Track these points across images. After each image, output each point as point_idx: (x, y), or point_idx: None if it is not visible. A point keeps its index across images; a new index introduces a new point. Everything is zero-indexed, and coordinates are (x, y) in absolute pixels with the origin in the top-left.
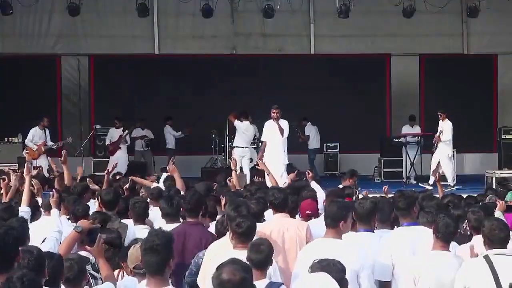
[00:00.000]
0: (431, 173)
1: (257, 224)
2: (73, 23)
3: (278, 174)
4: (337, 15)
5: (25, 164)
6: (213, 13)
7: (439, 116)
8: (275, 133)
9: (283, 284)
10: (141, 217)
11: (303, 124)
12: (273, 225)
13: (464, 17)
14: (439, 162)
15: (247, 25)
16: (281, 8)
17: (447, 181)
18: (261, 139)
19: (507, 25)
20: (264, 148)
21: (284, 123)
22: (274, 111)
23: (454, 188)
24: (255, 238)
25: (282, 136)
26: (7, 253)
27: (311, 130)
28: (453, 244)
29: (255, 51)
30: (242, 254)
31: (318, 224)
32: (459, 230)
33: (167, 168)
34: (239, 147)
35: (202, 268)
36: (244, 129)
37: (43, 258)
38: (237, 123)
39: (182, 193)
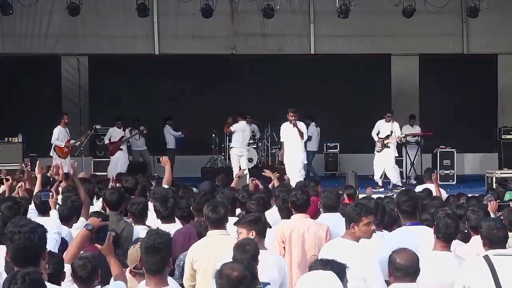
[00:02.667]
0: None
1: (278, 224)
2: (73, 23)
3: (296, 172)
4: (337, 15)
5: (37, 162)
6: (213, 13)
7: (386, 117)
8: (293, 135)
9: (269, 284)
10: (140, 218)
11: (307, 123)
12: (294, 224)
13: (464, 17)
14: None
15: (247, 25)
16: (281, 8)
17: (394, 183)
18: (281, 141)
19: (507, 25)
20: (284, 149)
21: (302, 125)
22: (291, 114)
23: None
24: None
25: (302, 139)
26: (32, 250)
27: (313, 132)
28: (456, 242)
29: (255, 51)
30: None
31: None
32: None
33: (160, 159)
34: (236, 147)
35: (186, 268)
36: (241, 129)
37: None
38: (233, 126)
39: (166, 186)
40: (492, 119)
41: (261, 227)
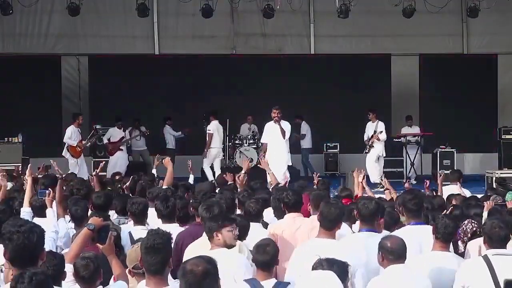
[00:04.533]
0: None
1: (270, 223)
2: (73, 23)
3: (280, 175)
4: (337, 15)
5: (28, 165)
6: (213, 13)
7: (368, 116)
8: (276, 134)
9: (290, 283)
10: (140, 218)
11: (298, 122)
12: (286, 224)
13: (464, 17)
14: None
15: (247, 25)
16: (281, 8)
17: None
18: (261, 141)
19: (507, 25)
20: (265, 149)
21: (286, 124)
22: (274, 111)
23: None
24: (262, 238)
25: (284, 138)
26: (31, 250)
27: (307, 130)
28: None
29: (255, 51)
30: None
31: None
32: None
33: (163, 160)
34: (213, 147)
35: None
36: (215, 129)
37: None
38: (208, 128)
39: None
40: (492, 119)
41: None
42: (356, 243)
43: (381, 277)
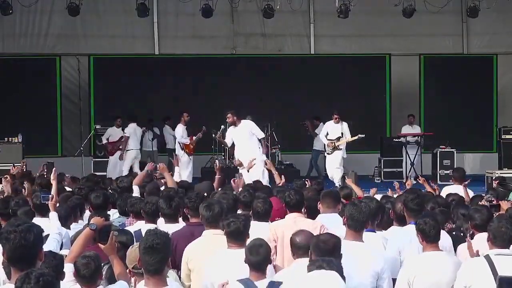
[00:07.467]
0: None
1: (271, 223)
2: (73, 23)
3: (259, 172)
4: (337, 15)
5: (53, 169)
6: (213, 13)
7: (334, 118)
8: (238, 137)
9: (282, 283)
10: (152, 218)
11: (316, 124)
12: (286, 224)
13: (464, 17)
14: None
15: (247, 25)
16: (281, 8)
17: (336, 184)
18: (228, 147)
19: (507, 25)
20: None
21: (243, 124)
22: (227, 116)
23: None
24: (260, 237)
25: (252, 138)
26: (28, 250)
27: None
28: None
29: (255, 51)
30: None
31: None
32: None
33: (157, 166)
34: (130, 150)
35: (182, 268)
36: (132, 132)
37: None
38: (125, 130)
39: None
40: (492, 119)
41: None
42: (377, 244)
43: (288, 270)
